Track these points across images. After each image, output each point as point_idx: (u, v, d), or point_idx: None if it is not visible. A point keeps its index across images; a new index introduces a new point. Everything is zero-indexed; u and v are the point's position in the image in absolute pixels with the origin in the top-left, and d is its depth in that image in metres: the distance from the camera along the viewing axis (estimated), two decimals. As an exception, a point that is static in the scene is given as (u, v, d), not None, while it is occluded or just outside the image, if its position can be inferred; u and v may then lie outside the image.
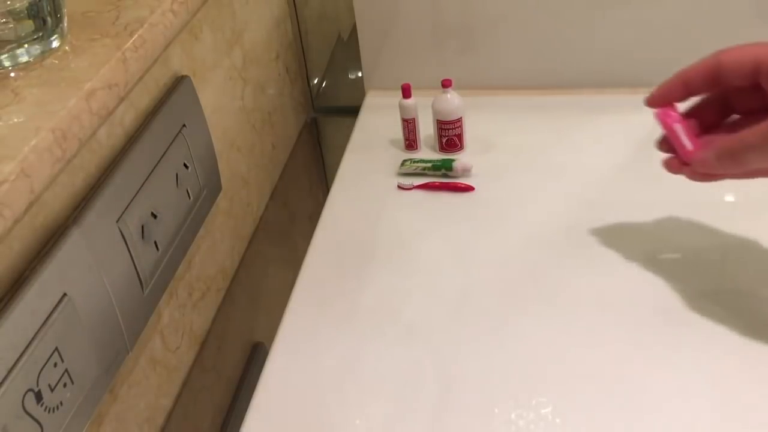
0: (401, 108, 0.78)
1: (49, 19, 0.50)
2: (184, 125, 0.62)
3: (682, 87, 0.52)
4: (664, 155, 0.55)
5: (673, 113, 0.54)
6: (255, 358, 0.80)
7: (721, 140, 0.50)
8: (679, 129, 0.53)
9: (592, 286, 0.63)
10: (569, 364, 0.57)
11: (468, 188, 0.74)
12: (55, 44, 0.51)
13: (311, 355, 0.60)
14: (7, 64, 0.49)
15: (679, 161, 0.54)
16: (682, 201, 0.69)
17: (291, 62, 0.94)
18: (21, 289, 0.44)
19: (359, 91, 0.93)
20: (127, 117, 0.57)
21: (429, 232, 0.70)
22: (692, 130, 0.53)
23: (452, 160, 0.76)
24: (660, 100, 0.53)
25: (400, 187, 0.76)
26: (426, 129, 0.80)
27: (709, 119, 0.53)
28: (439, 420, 0.54)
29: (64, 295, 0.47)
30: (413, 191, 0.75)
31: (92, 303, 0.50)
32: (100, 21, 0.54)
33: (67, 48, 0.52)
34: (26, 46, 0.50)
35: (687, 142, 0.53)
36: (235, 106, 0.77)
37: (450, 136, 0.78)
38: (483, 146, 0.79)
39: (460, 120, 0.77)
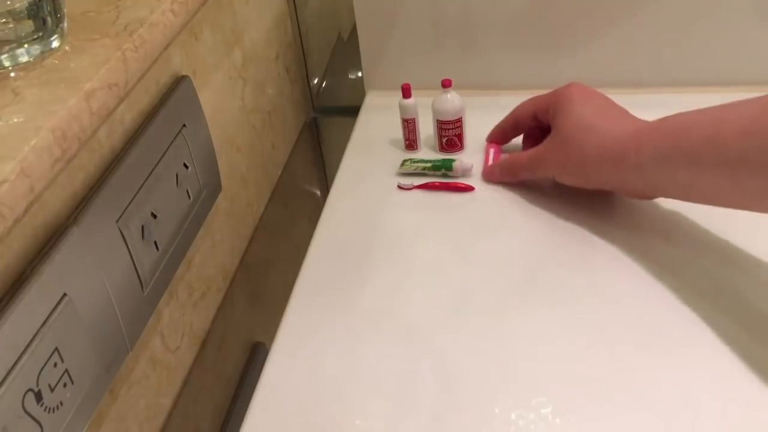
0: (401, 108, 0.78)
1: (49, 19, 0.50)
2: (184, 125, 0.62)
3: (501, 133, 0.78)
4: None
5: (493, 144, 0.78)
6: (255, 358, 0.80)
7: (507, 158, 0.75)
8: (491, 152, 0.77)
9: (593, 286, 0.63)
10: (569, 363, 0.57)
11: (468, 188, 0.74)
12: (55, 44, 0.51)
13: (311, 355, 0.60)
14: (7, 64, 0.49)
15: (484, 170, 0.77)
16: (682, 201, 0.69)
17: (291, 62, 0.94)
18: (21, 289, 0.44)
19: (359, 91, 0.93)
20: (127, 117, 0.57)
21: (429, 232, 0.70)
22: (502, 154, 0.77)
23: (452, 160, 0.76)
24: (492, 139, 0.79)
25: (400, 187, 0.76)
26: (426, 129, 0.80)
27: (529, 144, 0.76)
28: (439, 420, 0.54)
29: (64, 295, 0.47)
30: (413, 191, 0.75)
31: (92, 303, 0.50)
32: (100, 21, 0.54)
33: (67, 48, 0.52)
34: (26, 46, 0.50)
35: (491, 160, 0.77)
36: (235, 106, 0.77)
37: (450, 136, 0.78)
38: (483, 146, 0.79)
39: (460, 120, 0.77)
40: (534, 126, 0.74)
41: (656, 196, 0.67)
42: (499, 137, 0.78)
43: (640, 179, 0.62)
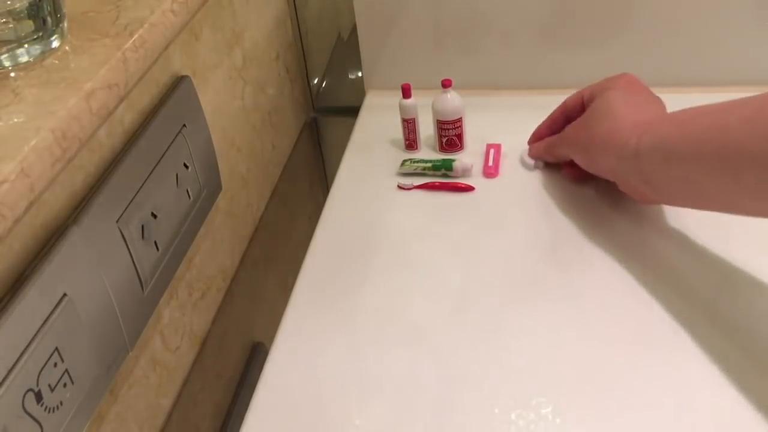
0: (401, 108, 0.78)
1: (49, 19, 0.50)
2: (184, 125, 0.62)
3: (550, 124, 0.76)
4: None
5: (494, 144, 0.79)
6: (255, 358, 0.80)
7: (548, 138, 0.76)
8: (491, 152, 0.78)
9: (593, 286, 0.63)
10: (569, 364, 0.57)
11: (468, 188, 0.74)
12: (55, 44, 0.51)
13: (311, 355, 0.60)
14: (7, 64, 0.49)
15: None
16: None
17: (291, 62, 0.94)
18: (21, 289, 0.44)
19: (359, 91, 0.93)
20: (127, 117, 0.57)
21: (429, 232, 0.70)
22: None
23: (452, 160, 0.76)
24: (539, 133, 0.77)
25: (400, 187, 0.76)
26: (426, 129, 0.80)
27: None
28: (439, 420, 0.54)
29: (64, 295, 0.47)
30: (413, 191, 0.75)
31: (92, 303, 0.50)
32: (100, 21, 0.54)
33: (67, 48, 0.52)
34: (26, 46, 0.50)
35: (491, 160, 0.77)
36: (235, 106, 0.77)
37: (450, 136, 0.78)
38: (483, 146, 0.79)
39: (460, 120, 0.77)
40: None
41: (652, 197, 0.65)
42: (545, 130, 0.77)
43: (637, 169, 0.61)
